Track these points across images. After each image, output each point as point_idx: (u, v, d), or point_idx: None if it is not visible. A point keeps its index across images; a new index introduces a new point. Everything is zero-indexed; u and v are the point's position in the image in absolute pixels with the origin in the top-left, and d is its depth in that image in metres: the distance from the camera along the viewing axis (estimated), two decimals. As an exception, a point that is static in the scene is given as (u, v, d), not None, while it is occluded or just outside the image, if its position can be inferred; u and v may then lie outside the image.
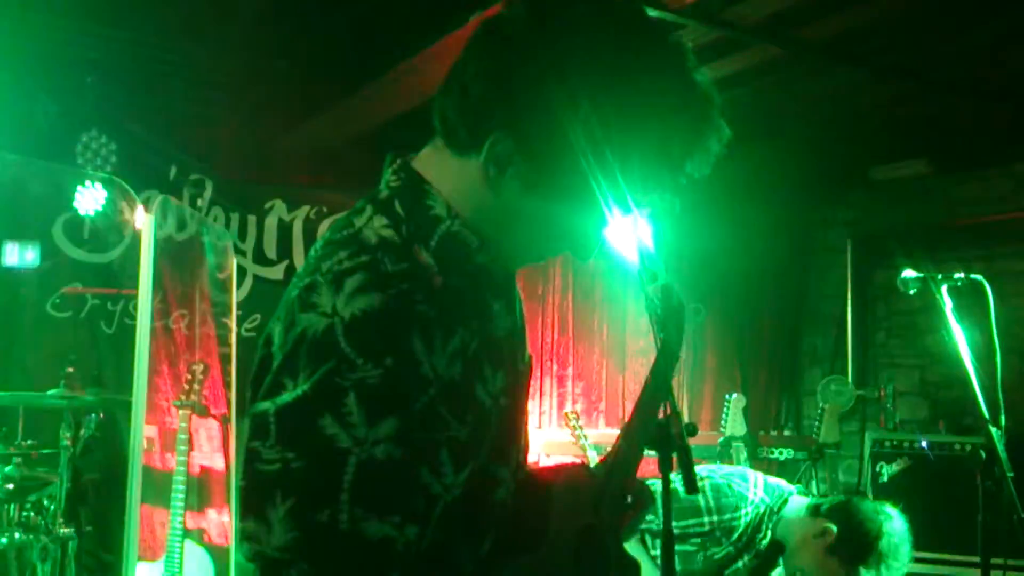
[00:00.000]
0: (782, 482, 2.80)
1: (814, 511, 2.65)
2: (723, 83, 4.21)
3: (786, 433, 4.47)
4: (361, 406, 0.96)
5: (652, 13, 3.48)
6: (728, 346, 5.47)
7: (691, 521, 2.63)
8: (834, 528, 2.56)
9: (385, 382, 0.97)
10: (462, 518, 1.06)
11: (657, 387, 1.38)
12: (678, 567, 2.37)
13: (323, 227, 4.44)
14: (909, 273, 2.72)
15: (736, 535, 2.68)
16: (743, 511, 2.66)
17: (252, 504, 0.98)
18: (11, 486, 3.22)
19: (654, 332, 1.45)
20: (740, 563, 2.74)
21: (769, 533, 2.68)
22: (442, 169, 1.13)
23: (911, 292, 2.72)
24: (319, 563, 0.96)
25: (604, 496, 1.23)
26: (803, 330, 5.45)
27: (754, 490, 2.70)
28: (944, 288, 2.59)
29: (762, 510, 2.68)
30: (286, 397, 0.98)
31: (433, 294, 1.04)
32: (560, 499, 1.20)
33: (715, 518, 2.65)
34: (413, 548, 0.98)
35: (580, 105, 1.04)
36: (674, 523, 1.36)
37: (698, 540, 2.69)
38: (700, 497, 2.65)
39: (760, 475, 2.78)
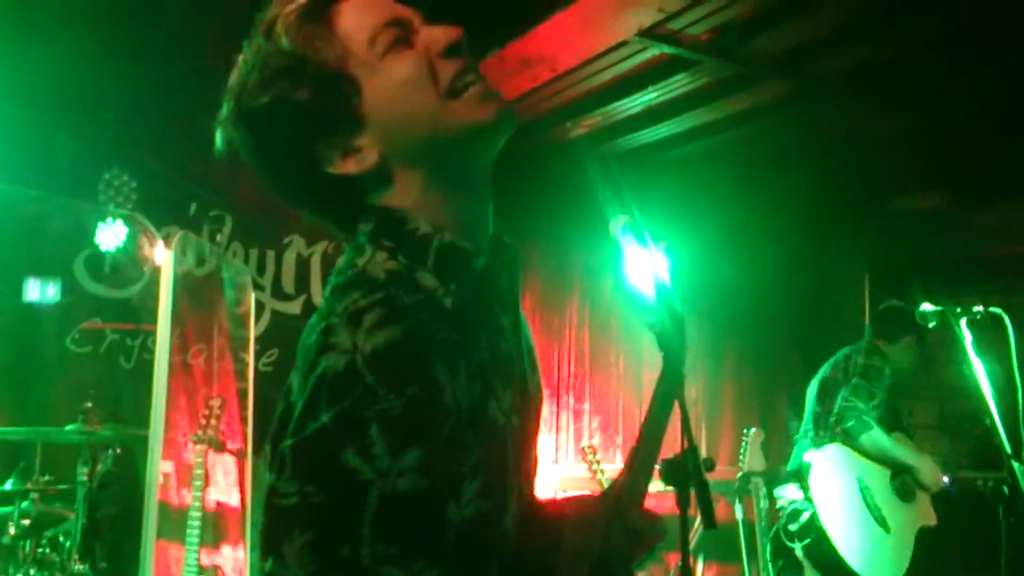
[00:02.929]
0: None
1: None
2: (739, 118, 4.24)
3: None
4: (384, 437, 0.94)
5: (667, 50, 3.52)
6: (746, 380, 5.44)
7: None
8: None
9: (408, 412, 0.95)
10: (471, 543, 1.03)
11: (663, 404, 1.33)
12: None
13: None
14: (927, 307, 2.72)
15: None
16: None
17: (271, 542, 0.96)
18: (27, 522, 3.23)
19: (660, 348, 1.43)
20: None
21: None
22: (393, 197, 1.14)
23: (930, 325, 2.73)
24: None
25: (614, 527, 1.18)
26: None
27: None
28: (963, 321, 2.58)
29: None
30: (306, 432, 0.97)
31: (449, 318, 1.04)
32: (571, 533, 1.18)
33: None
34: None
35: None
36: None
37: None
38: None
39: None
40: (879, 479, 3.54)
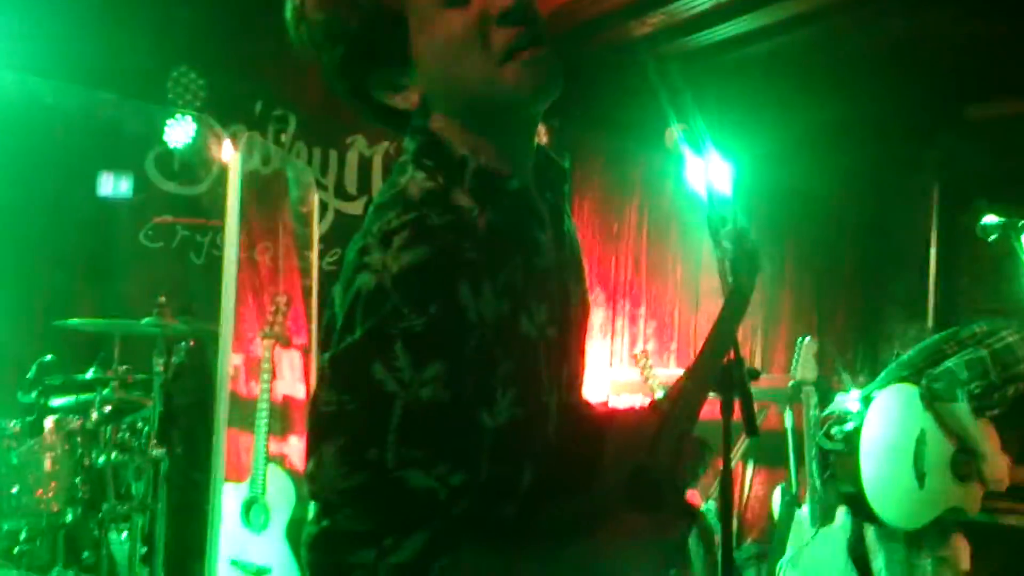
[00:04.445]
0: None
1: None
2: (809, 18, 4.11)
3: (861, 379, 4.42)
4: (407, 352, 1.01)
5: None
6: (806, 289, 5.41)
7: None
8: None
9: (430, 329, 1.02)
10: (504, 449, 1.10)
11: (724, 332, 1.38)
12: None
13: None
14: (990, 218, 2.66)
15: None
16: None
17: (312, 445, 1.05)
18: (108, 408, 3.41)
19: (723, 277, 1.45)
20: None
21: None
22: (435, 122, 1.18)
23: (990, 239, 2.66)
24: (364, 509, 1.02)
25: (662, 437, 1.23)
26: (884, 274, 5.33)
27: None
28: (1024, 236, 2.53)
29: None
30: (341, 346, 1.05)
31: (478, 238, 1.08)
32: (615, 439, 1.22)
33: None
34: (459, 495, 1.03)
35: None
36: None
37: None
38: None
39: None
40: (942, 445, 3.41)
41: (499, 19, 1.10)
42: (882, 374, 3.64)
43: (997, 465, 3.40)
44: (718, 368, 1.36)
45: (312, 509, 1.09)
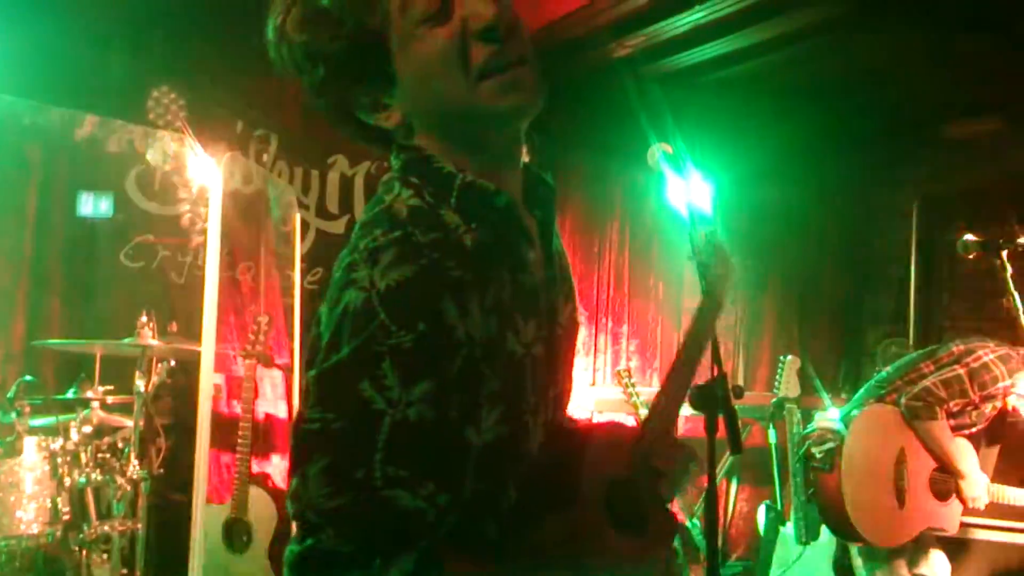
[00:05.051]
0: None
1: None
2: (788, 39, 4.15)
3: (843, 395, 4.44)
4: (396, 370, 1.01)
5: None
6: (787, 306, 5.43)
7: None
8: None
9: (418, 347, 1.01)
10: (488, 467, 1.09)
11: (696, 341, 1.37)
12: None
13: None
14: (969, 236, 2.68)
15: None
16: None
17: (296, 463, 1.04)
18: (89, 429, 3.38)
19: (700, 284, 1.45)
20: None
21: None
22: (419, 140, 1.19)
23: (971, 256, 2.69)
24: (349, 529, 1.00)
25: (639, 451, 1.23)
26: (865, 291, 5.37)
27: None
28: (1005, 253, 2.55)
29: None
30: (328, 363, 1.04)
31: (465, 256, 1.08)
32: (594, 453, 1.22)
33: None
34: (446, 515, 1.02)
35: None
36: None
37: None
38: None
39: None
40: (921, 463, 3.42)
41: (479, 36, 1.10)
42: (860, 392, 3.66)
43: (975, 483, 3.42)
44: (692, 376, 1.35)
45: (295, 528, 1.07)
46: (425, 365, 1.02)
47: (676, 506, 3.93)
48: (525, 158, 1.26)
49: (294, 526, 1.07)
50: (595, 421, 1.47)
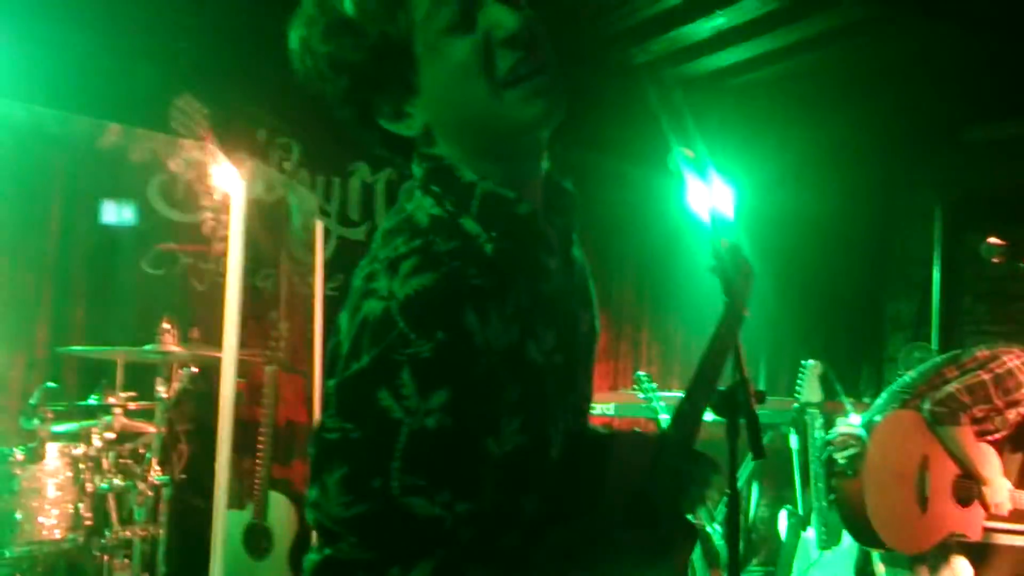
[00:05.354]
0: None
1: None
2: (810, 44, 4.14)
3: (865, 400, 4.41)
4: (414, 379, 1.00)
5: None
6: (809, 310, 5.40)
7: None
8: None
9: (437, 355, 1.01)
10: (508, 476, 1.09)
11: (719, 350, 1.37)
12: None
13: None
14: (993, 240, 2.66)
15: None
16: None
17: (315, 472, 1.04)
18: (111, 435, 3.40)
19: (723, 292, 1.44)
20: None
21: None
22: (441, 148, 1.18)
23: (994, 259, 2.67)
24: (368, 538, 1.01)
25: (661, 461, 1.22)
26: (887, 295, 5.34)
27: None
28: (1029, 257, 2.53)
29: None
30: (348, 373, 1.04)
31: (486, 264, 1.08)
32: (615, 463, 1.21)
33: None
34: (464, 524, 1.02)
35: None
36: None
37: None
38: None
39: None
40: (944, 469, 3.39)
41: (503, 43, 1.10)
42: (883, 396, 3.63)
43: (998, 489, 3.39)
44: (715, 385, 1.34)
45: (315, 537, 1.08)
46: (444, 374, 1.02)
47: (697, 512, 3.91)
48: (546, 165, 1.26)
49: (314, 534, 1.07)
50: (616, 429, 1.46)
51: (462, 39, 1.11)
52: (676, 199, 1.55)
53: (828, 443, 3.54)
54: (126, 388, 3.60)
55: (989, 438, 3.41)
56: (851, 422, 3.64)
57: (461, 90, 1.12)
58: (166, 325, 3.54)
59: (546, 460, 1.16)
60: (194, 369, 3.64)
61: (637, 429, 4.25)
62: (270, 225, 4.38)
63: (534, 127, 1.15)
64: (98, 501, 3.36)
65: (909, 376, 3.60)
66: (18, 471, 3.15)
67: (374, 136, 1.22)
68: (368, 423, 1.01)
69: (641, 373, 4.48)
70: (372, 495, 1.00)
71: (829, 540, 3.68)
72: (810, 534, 3.78)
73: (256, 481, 3.91)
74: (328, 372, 1.09)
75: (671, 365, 5.35)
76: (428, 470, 1.01)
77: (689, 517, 1.31)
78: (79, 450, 3.32)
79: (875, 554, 3.59)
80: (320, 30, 1.15)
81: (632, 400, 4.59)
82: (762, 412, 1.40)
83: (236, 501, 3.94)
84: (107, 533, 3.34)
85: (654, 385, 4.20)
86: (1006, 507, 3.38)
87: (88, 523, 3.30)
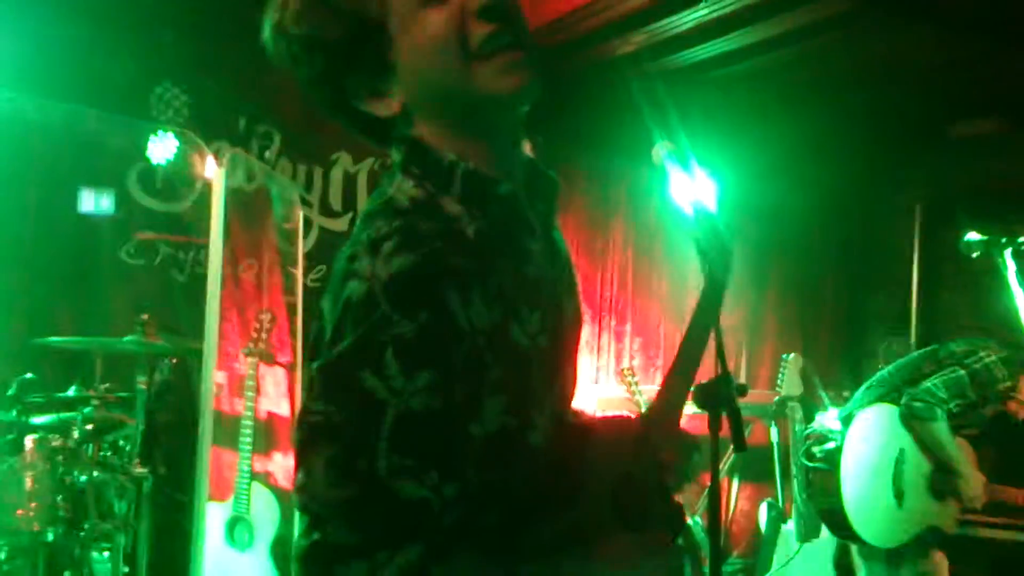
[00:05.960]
0: None
1: None
2: (792, 37, 4.14)
3: (845, 394, 4.44)
4: (398, 359, 1.00)
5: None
6: (790, 305, 5.43)
7: None
8: None
9: (420, 336, 1.01)
10: (493, 457, 1.08)
11: (701, 325, 1.37)
12: None
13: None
14: (972, 235, 2.68)
15: None
16: None
17: (301, 456, 1.03)
18: (90, 427, 3.37)
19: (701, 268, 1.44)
20: None
21: None
22: (420, 130, 1.18)
23: (974, 255, 2.69)
24: (356, 521, 1.00)
25: (645, 442, 1.22)
26: (867, 290, 5.38)
27: None
28: (1008, 252, 2.55)
29: None
30: (331, 355, 1.04)
31: (467, 245, 1.08)
32: (598, 447, 1.21)
33: None
34: (451, 505, 1.01)
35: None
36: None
37: None
38: None
39: None
40: (920, 463, 3.44)
41: (478, 14, 1.10)
42: (860, 391, 3.66)
43: (974, 482, 3.42)
44: (697, 363, 1.34)
45: (302, 522, 1.06)
46: (427, 354, 1.02)
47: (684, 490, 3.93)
48: (529, 154, 1.25)
49: (299, 520, 1.07)
50: (600, 415, 1.46)
51: (436, 11, 1.10)
52: (660, 191, 1.54)
53: (806, 437, 3.57)
54: (105, 379, 3.57)
55: (965, 433, 3.45)
56: (829, 416, 3.66)
57: (436, 63, 1.12)
58: (146, 316, 3.51)
59: (531, 443, 1.15)
60: (174, 360, 3.61)
61: (625, 411, 4.27)
62: (251, 215, 4.35)
63: (510, 101, 1.15)
64: (77, 494, 3.33)
65: (887, 371, 3.63)
66: (-5, 463, 3.11)
67: (352, 121, 1.22)
68: (353, 405, 1.01)
69: (625, 367, 4.50)
70: (359, 477, 0.99)
71: (809, 533, 3.70)
72: (790, 527, 3.80)
73: (237, 474, 3.89)
74: (311, 356, 1.09)
75: (654, 359, 5.36)
76: (415, 451, 1.00)
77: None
78: (57, 442, 3.28)
79: (853, 547, 3.62)
80: (294, 11, 1.14)
81: (616, 394, 4.60)
82: (743, 405, 1.40)
83: (217, 493, 3.92)
84: (86, 526, 3.31)
85: (638, 378, 4.22)
86: (981, 501, 3.42)
87: (67, 516, 3.27)
